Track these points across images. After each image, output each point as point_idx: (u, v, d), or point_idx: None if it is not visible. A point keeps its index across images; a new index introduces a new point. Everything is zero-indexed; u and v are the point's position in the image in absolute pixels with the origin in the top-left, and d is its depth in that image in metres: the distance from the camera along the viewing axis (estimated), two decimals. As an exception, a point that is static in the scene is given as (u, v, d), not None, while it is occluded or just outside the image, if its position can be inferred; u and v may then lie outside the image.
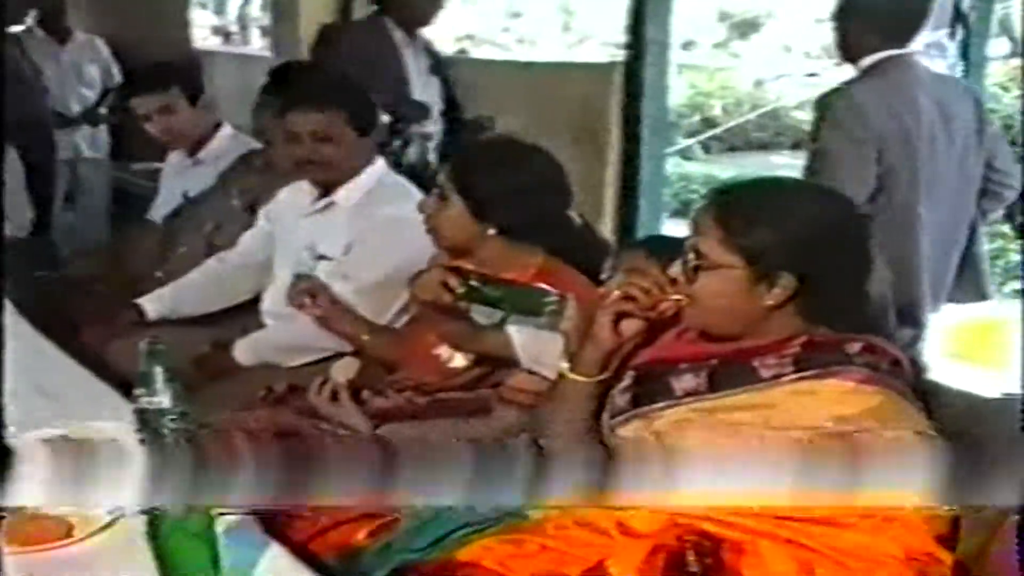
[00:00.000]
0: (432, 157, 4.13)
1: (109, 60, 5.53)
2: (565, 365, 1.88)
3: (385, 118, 3.61)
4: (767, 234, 1.70)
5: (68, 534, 1.59)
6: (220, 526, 1.45)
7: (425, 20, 4.33)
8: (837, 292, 1.74)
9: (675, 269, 1.77)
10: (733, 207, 1.73)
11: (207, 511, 1.43)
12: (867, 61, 3.01)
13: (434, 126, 4.28)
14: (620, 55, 4.24)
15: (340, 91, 2.90)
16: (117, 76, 5.44)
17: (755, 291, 1.71)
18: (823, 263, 1.72)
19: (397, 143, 3.95)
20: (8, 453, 1.41)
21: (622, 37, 4.20)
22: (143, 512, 1.46)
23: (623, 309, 1.82)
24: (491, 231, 2.29)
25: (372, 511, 1.78)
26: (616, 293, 1.84)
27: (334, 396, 2.31)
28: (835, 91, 3.05)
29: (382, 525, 1.78)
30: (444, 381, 2.31)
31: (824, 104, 3.02)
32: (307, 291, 2.63)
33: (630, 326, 1.83)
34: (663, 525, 1.67)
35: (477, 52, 10.65)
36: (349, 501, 1.72)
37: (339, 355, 2.59)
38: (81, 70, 5.45)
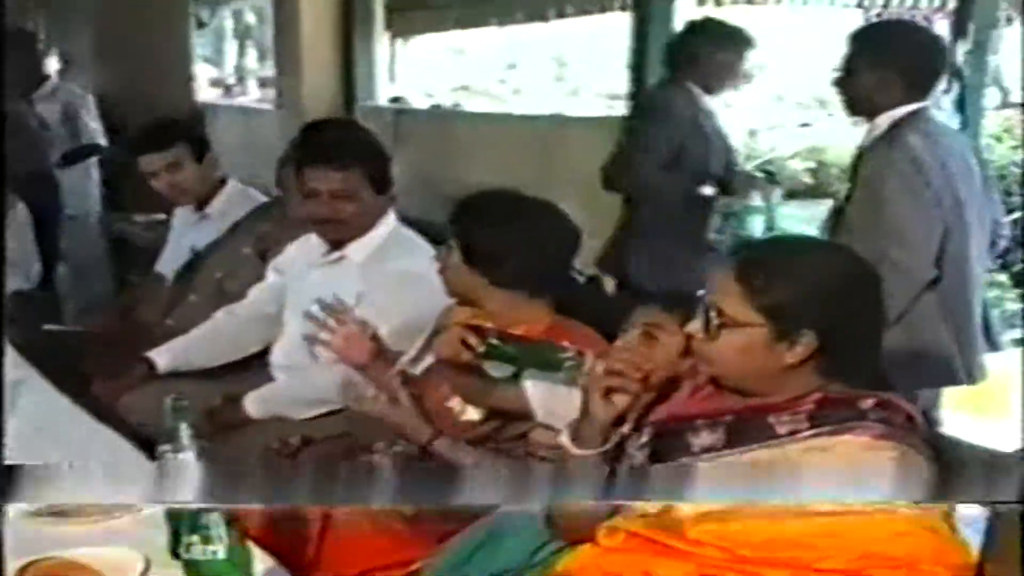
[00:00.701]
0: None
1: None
2: (567, 441, 1.90)
3: (710, 190, 3.63)
4: (790, 293, 1.73)
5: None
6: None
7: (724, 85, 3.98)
8: (855, 349, 1.77)
9: (695, 327, 1.79)
10: (755, 265, 1.76)
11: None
12: (887, 116, 2.94)
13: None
14: (615, 107, 4.28)
15: (359, 149, 2.93)
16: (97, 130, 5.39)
17: (776, 349, 1.73)
18: (842, 320, 1.74)
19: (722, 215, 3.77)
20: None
21: (617, 89, 4.24)
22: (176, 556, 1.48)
23: (611, 384, 1.85)
24: (488, 283, 2.33)
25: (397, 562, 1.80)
26: (599, 369, 1.87)
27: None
28: (885, 146, 2.91)
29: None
30: (456, 433, 2.33)
31: (875, 159, 2.92)
32: (331, 313, 2.60)
33: (620, 399, 1.85)
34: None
35: (472, 103, 10.72)
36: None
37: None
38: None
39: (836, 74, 3.08)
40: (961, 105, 5.80)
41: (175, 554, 1.59)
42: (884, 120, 2.95)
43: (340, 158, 2.82)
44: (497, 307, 2.35)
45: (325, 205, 2.81)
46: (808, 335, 1.72)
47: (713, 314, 1.75)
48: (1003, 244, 3.32)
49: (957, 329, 3.01)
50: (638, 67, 4.15)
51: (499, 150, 4.65)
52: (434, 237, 2.75)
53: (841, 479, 1.63)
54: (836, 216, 3.15)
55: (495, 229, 2.34)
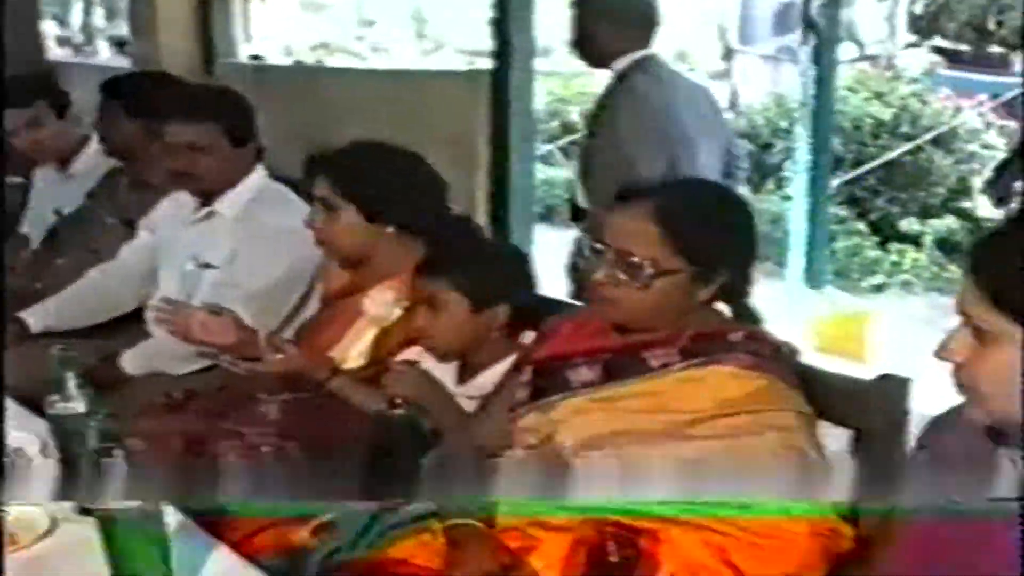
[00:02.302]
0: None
1: None
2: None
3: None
4: (708, 235, 1.83)
5: (13, 542, 1.64)
6: (169, 527, 1.53)
7: None
8: (746, 279, 1.91)
9: (614, 274, 1.84)
10: (671, 211, 1.83)
11: (157, 512, 1.50)
12: (618, 63, 3.28)
13: None
14: (477, 62, 4.34)
15: (214, 103, 2.95)
16: None
17: (692, 290, 1.84)
18: (741, 254, 1.89)
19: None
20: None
21: (477, 44, 4.30)
22: (86, 513, 1.54)
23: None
24: (389, 230, 2.41)
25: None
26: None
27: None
28: (617, 89, 3.28)
29: (321, 525, 1.85)
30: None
31: (609, 102, 3.28)
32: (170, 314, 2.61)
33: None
34: (580, 518, 1.77)
35: (332, 61, 10.67)
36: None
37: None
38: None
39: (571, 36, 3.43)
40: (817, 58, 6.06)
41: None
42: (617, 66, 3.28)
43: (193, 111, 2.85)
44: (385, 258, 2.43)
45: (182, 159, 2.84)
46: (723, 274, 1.84)
47: (645, 264, 1.81)
48: (741, 175, 3.62)
49: None
50: (499, 23, 4.23)
51: (361, 106, 4.68)
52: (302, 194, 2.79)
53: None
54: (584, 157, 3.44)
55: (385, 177, 2.43)
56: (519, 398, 1.98)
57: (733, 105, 11.75)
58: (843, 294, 7.30)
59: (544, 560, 1.77)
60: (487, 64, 4.14)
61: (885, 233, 8.52)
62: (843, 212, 8.66)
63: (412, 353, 2.26)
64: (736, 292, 1.90)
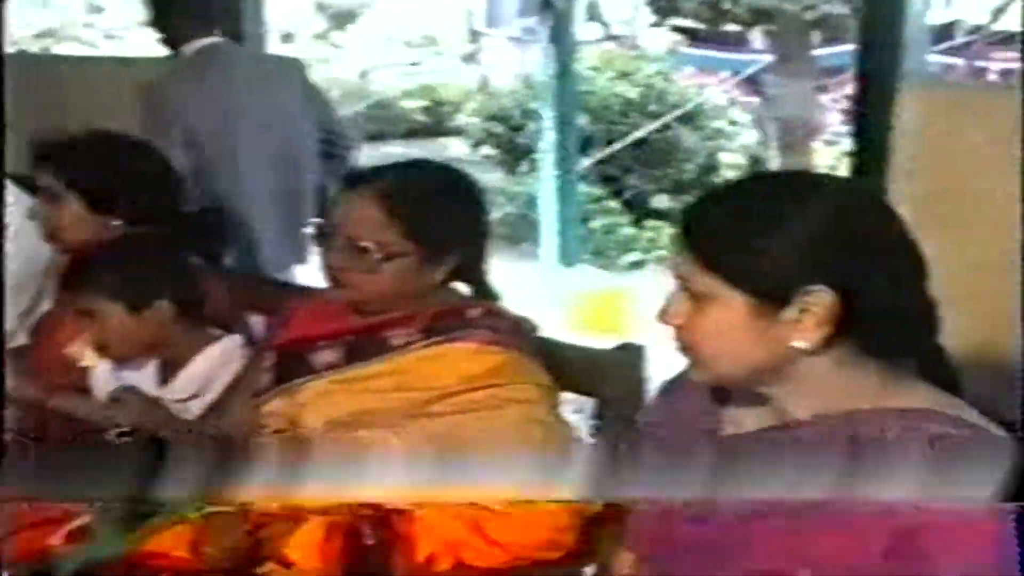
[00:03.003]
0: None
1: None
2: None
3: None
4: (436, 216, 1.87)
5: None
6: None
7: None
8: (481, 256, 1.96)
9: (344, 258, 1.86)
10: (398, 193, 1.86)
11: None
12: (189, 48, 3.37)
13: None
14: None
15: None
16: None
17: (426, 271, 1.88)
18: (474, 234, 1.93)
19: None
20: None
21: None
22: None
23: None
24: (116, 223, 2.36)
25: (65, 513, 1.81)
26: None
27: None
28: (153, 81, 3.36)
29: (77, 529, 1.81)
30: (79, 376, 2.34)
31: (142, 93, 3.34)
32: None
33: None
34: (335, 503, 1.78)
35: (60, 48, 10.27)
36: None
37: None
38: None
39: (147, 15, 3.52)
40: (556, 38, 6.22)
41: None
42: (188, 51, 3.38)
43: None
44: None
45: None
46: (455, 254, 1.88)
47: (372, 248, 1.83)
48: (349, 155, 3.66)
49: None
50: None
51: (92, 95, 4.54)
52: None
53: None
54: None
55: (112, 168, 2.38)
56: (263, 383, 1.98)
57: (483, 87, 11.93)
58: (598, 272, 7.52)
59: (300, 547, 1.77)
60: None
61: (639, 211, 8.83)
62: (597, 191, 8.91)
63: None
64: (472, 272, 1.95)
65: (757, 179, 1.54)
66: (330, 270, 1.90)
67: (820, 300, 1.26)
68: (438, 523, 1.76)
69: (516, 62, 11.97)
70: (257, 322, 2.20)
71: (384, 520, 1.78)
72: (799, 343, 1.28)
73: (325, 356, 1.92)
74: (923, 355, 1.35)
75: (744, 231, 1.28)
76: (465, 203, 1.94)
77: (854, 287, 1.26)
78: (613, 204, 8.91)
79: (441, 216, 1.87)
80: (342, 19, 14.50)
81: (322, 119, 3.58)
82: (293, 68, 3.64)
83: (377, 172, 1.92)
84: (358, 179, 1.90)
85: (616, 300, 6.15)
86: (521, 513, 1.76)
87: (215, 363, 2.18)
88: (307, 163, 3.53)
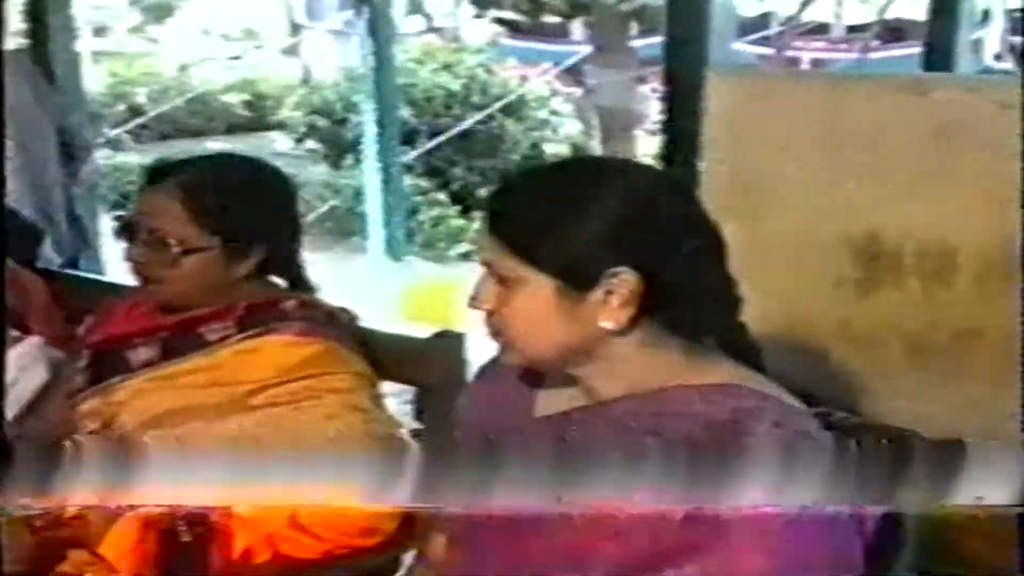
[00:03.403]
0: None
1: None
2: None
3: None
4: (238, 211, 1.86)
5: None
6: None
7: None
8: (293, 250, 1.97)
9: (146, 253, 1.85)
10: (199, 188, 1.85)
11: None
12: None
13: None
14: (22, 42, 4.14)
15: None
16: None
17: (230, 266, 1.87)
18: (278, 227, 1.93)
19: None
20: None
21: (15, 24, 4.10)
22: None
23: None
24: None
25: None
26: None
27: None
28: None
29: None
30: None
31: None
32: None
33: None
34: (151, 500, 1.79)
35: None
36: None
37: None
38: None
39: None
40: (374, 30, 6.22)
41: None
42: None
43: None
44: None
45: None
46: (260, 248, 1.88)
47: (173, 242, 1.83)
48: (84, 154, 3.58)
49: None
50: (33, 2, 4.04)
51: None
52: None
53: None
54: None
55: None
56: (78, 384, 1.95)
57: (306, 81, 11.82)
58: (426, 263, 7.55)
59: (114, 548, 1.75)
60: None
61: (467, 202, 8.88)
62: (424, 184, 8.93)
63: None
64: (284, 264, 1.95)
65: (560, 165, 1.57)
66: (134, 265, 1.88)
67: (625, 282, 1.30)
68: (255, 516, 1.76)
69: (337, 55, 11.89)
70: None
71: (200, 516, 1.77)
72: (606, 324, 1.32)
73: (141, 354, 1.91)
74: (726, 332, 1.41)
75: (549, 216, 1.31)
76: (270, 196, 1.94)
77: (657, 268, 1.31)
78: (440, 196, 8.95)
79: (244, 209, 1.87)
80: (158, 12, 14.20)
81: (57, 116, 3.43)
82: (15, 62, 3.45)
83: (178, 166, 1.91)
84: (159, 173, 1.89)
85: (445, 292, 6.19)
86: (337, 502, 1.77)
87: (11, 367, 2.11)
88: (47, 162, 3.39)
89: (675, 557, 1.27)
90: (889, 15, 9.83)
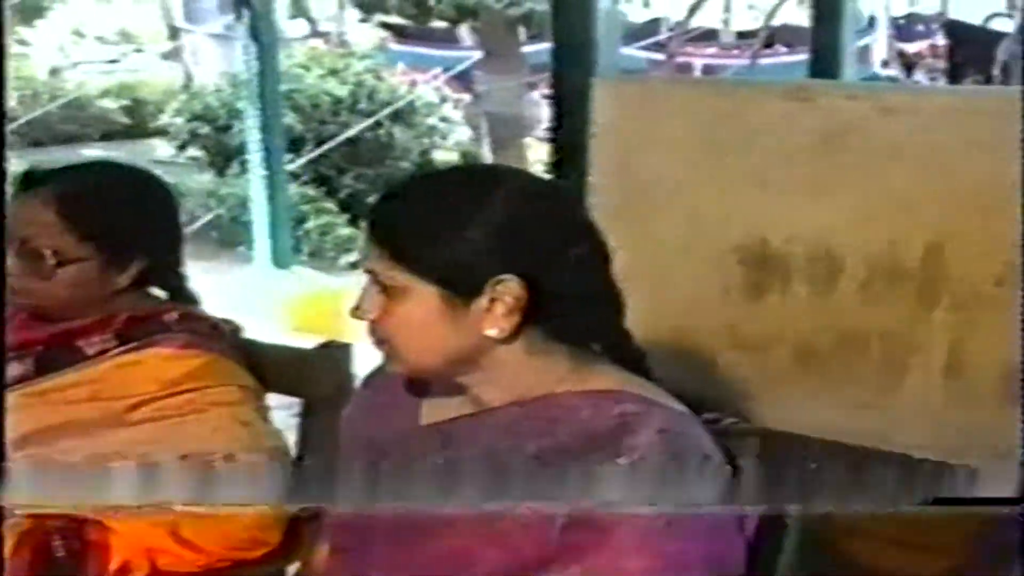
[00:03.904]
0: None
1: None
2: None
3: None
4: (116, 220, 1.84)
5: None
6: None
7: None
8: (173, 263, 1.95)
9: (18, 264, 1.80)
10: (74, 198, 1.83)
11: None
12: None
13: None
14: None
15: None
16: None
17: (107, 277, 1.84)
18: (158, 238, 1.91)
19: None
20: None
21: None
22: None
23: None
24: None
25: None
26: None
27: None
28: None
29: None
30: None
31: None
32: None
33: None
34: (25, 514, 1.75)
35: None
36: None
37: None
38: None
39: None
40: (256, 34, 6.18)
41: None
42: None
43: None
44: None
45: None
46: (140, 259, 1.85)
47: (47, 253, 1.80)
48: None
49: None
50: None
51: None
52: None
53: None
54: None
55: None
56: None
57: (187, 86, 11.66)
58: (313, 273, 7.51)
59: None
60: None
61: (355, 210, 8.84)
62: (311, 192, 8.88)
63: None
64: (164, 275, 1.93)
65: (443, 173, 1.60)
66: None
67: (509, 289, 1.32)
68: (133, 530, 1.75)
69: (219, 60, 11.77)
70: None
71: (76, 530, 1.76)
72: (491, 332, 1.33)
73: (14, 369, 1.86)
74: (611, 339, 1.44)
75: (431, 224, 1.33)
76: (148, 204, 1.92)
77: (542, 276, 1.33)
78: (328, 205, 8.90)
79: (121, 218, 1.85)
80: (28, 14, 13.90)
81: None
82: None
83: (51, 173, 1.88)
84: (32, 181, 1.86)
85: (332, 302, 6.16)
86: (220, 514, 1.77)
87: None
88: None
89: (558, 560, 1.29)
90: (777, 21, 10.04)
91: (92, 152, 9.94)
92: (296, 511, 1.79)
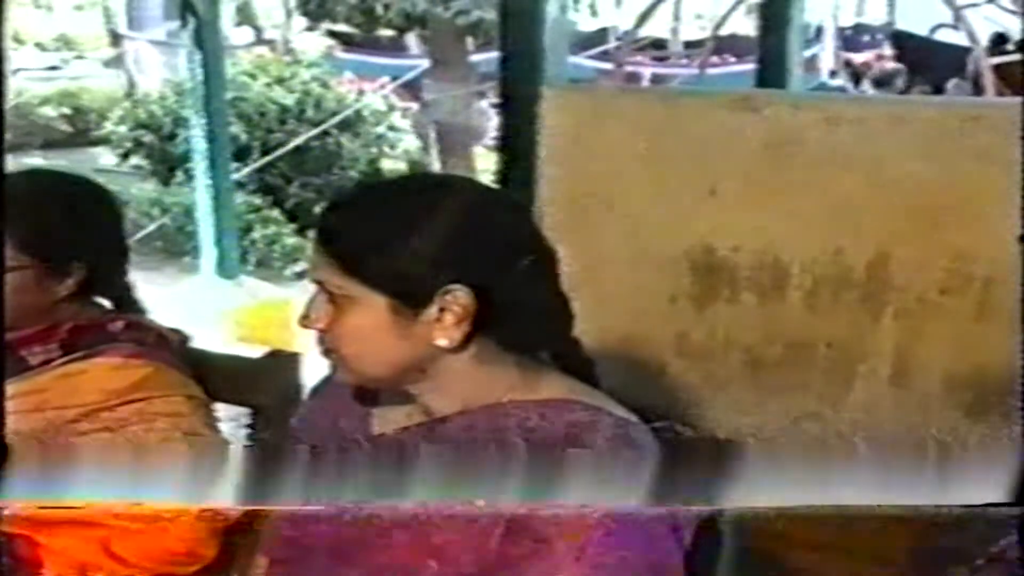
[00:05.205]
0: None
1: None
2: None
3: None
4: (55, 229, 1.82)
5: None
6: None
7: None
8: (116, 271, 1.94)
9: None
10: (11, 206, 1.80)
11: None
12: None
13: None
14: None
15: None
16: None
17: (48, 285, 1.83)
18: (99, 246, 1.89)
19: None
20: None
21: None
22: None
23: None
24: None
25: None
26: None
27: None
28: None
29: None
30: None
31: None
32: None
33: None
34: None
35: None
36: None
37: None
38: None
39: None
40: (200, 42, 6.15)
41: None
42: None
43: None
44: None
45: None
46: (80, 267, 1.84)
47: None
48: None
49: None
50: None
51: None
52: None
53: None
54: None
55: None
56: None
57: (131, 94, 11.57)
58: (260, 283, 7.47)
59: None
60: None
61: (302, 220, 8.81)
62: (257, 201, 8.83)
63: None
64: (109, 284, 1.93)
65: (391, 182, 1.62)
66: None
67: (458, 299, 1.33)
68: (65, 545, 1.74)
69: (163, 67, 11.69)
70: None
71: (5, 546, 1.74)
72: (440, 341, 1.35)
73: None
74: (560, 348, 1.45)
75: (379, 233, 1.34)
76: (89, 212, 1.91)
77: (490, 285, 1.34)
78: (274, 214, 8.86)
79: (60, 227, 1.84)
80: (-33, 20, 13.76)
81: None
82: None
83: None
84: None
85: (279, 311, 6.14)
86: (154, 528, 1.76)
87: None
88: None
89: (498, 570, 1.31)
90: (725, 31, 10.12)
91: (33, 161, 9.83)
92: (232, 522, 1.78)
